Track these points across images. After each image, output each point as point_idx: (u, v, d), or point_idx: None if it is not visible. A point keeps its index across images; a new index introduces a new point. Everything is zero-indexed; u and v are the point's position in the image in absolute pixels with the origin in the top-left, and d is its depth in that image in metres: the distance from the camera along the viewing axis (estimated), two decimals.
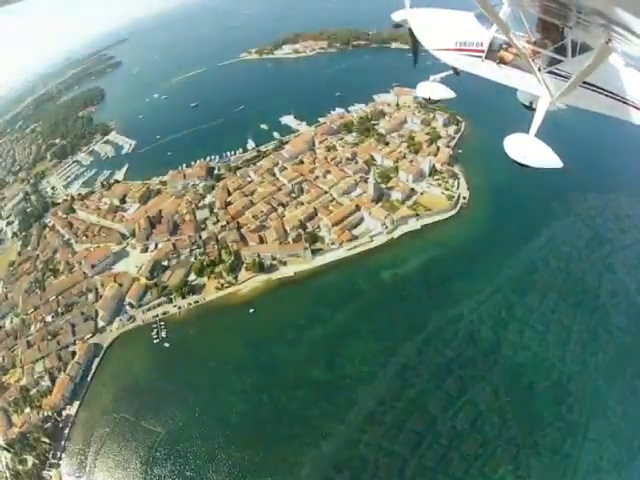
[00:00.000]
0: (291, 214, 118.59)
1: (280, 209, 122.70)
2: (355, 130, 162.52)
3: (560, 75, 13.46)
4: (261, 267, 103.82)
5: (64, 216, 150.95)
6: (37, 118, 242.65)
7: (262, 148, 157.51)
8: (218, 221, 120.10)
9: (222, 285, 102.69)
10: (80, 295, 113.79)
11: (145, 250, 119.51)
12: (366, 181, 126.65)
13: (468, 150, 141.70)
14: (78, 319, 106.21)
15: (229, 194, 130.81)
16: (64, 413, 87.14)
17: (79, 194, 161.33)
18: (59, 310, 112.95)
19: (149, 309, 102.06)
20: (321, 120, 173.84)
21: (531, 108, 16.71)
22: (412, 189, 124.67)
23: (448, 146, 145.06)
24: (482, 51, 14.76)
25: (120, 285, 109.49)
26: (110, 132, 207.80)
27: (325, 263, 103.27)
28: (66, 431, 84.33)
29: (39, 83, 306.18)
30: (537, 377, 76.61)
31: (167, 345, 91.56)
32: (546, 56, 13.52)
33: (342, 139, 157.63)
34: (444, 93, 18.33)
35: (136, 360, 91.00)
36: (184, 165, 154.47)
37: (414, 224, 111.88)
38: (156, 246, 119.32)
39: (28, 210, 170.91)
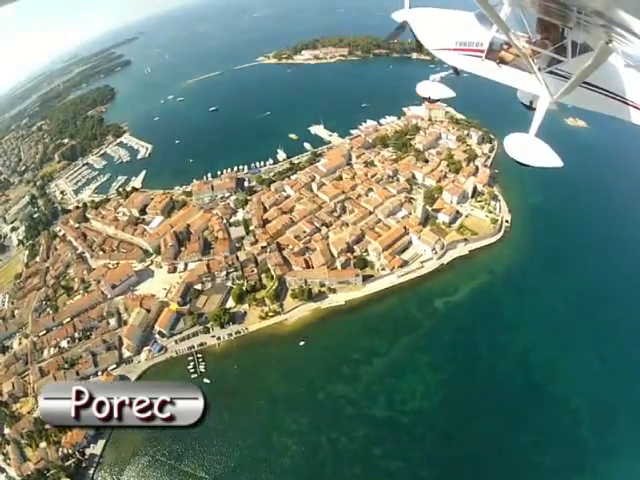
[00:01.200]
0: (337, 236, 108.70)
1: (323, 229, 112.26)
2: (392, 145, 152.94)
3: (560, 75, 13.37)
4: (309, 295, 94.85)
5: (76, 225, 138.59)
6: (43, 115, 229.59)
7: (294, 160, 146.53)
8: (257, 241, 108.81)
9: (266, 314, 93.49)
10: (100, 319, 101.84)
11: (173, 270, 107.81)
12: (411, 201, 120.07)
13: (503, 170, 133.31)
14: (99, 347, 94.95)
15: (265, 210, 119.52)
16: (87, 452, 77.93)
17: (92, 201, 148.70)
18: (76, 335, 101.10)
19: (183, 339, 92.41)
20: (353, 132, 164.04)
21: (531, 108, 16.49)
22: (457, 211, 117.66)
23: (485, 165, 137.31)
24: (482, 51, 14.59)
25: (148, 311, 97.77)
26: (123, 134, 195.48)
27: (377, 290, 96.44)
28: (91, 472, 75.40)
29: (44, 80, 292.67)
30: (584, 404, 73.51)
31: (207, 381, 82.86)
32: (546, 56, 13.42)
33: (379, 154, 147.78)
34: (444, 92, 18.18)
35: None
36: (209, 175, 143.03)
37: (462, 249, 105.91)
38: (186, 266, 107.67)
39: (35, 216, 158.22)
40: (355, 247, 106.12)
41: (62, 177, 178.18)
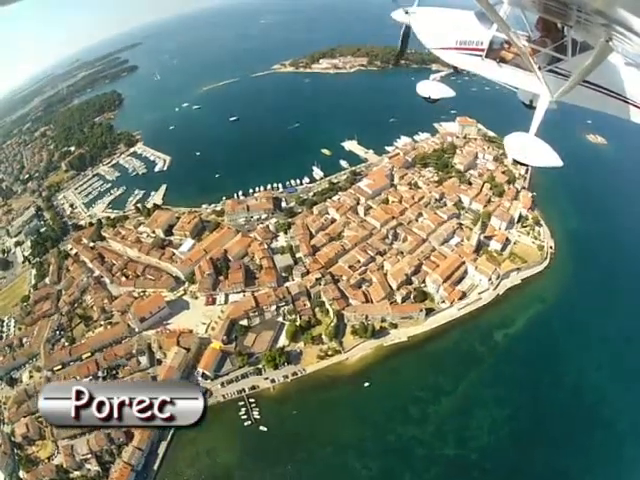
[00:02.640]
0: (396, 267, 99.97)
1: (378, 258, 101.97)
2: (432, 164, 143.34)
3: (560, 74, 13.26)
4: (372, 331, 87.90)
5: (90, 244, 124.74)
6: (47, 121, 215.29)
7: (333, 179, 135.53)
8: (308, 271, 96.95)
9: (326, 353, 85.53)
10: (128, 357, 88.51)
11: (212, 302, 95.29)
12: (461, 226, 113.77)
13: (539, 191, 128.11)
14: None
15: (311, 236, 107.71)
16: None
17: (108, 217, 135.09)
18: (99, 374, 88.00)
19: (230, 382, 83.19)
20: (389, 149, 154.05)
21: (531, 107, 16.32)
22: (507, 238, 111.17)
23: (524, 188, 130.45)
24: (482, 50, 14.37)
25: (187, 349, 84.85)
26: (136, 143, 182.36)
27: (439, 325, 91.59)
28: None
29: (47, 84, 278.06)
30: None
31: (264, 429, 76.05)
32: (546, 55, 13.29)
33: (421, 175, 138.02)
34: (444, 92, 18.00)
35: (222, 447, 75.09)
36: (240, 192, 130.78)
37: (515, 278, 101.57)
38: (227, 298, 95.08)
39: (42, 230, 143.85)
40: (413, 278, 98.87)
41: (70, 188, 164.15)
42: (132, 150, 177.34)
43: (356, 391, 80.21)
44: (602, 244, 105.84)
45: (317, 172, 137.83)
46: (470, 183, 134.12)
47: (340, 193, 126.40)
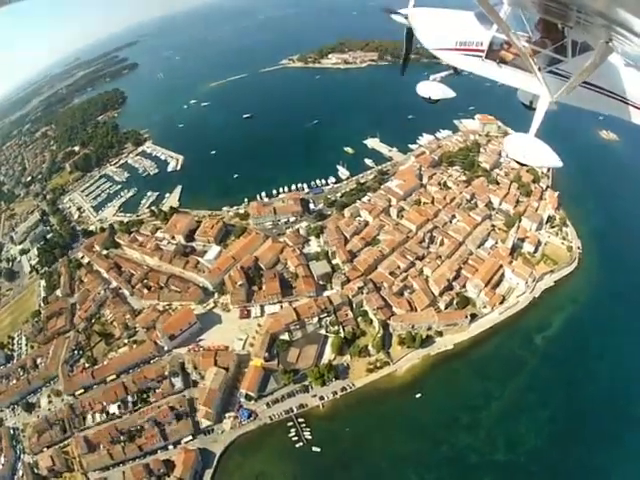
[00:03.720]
0: (437, 272, 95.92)
1: (417, 264, 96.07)
2: (458, 163, 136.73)
3: (560, 75, 13.09)
4: (420, 341, 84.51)
5: (103, 252, 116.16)
6: (48, 121, 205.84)
7: (359, 178, 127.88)
8: (348, 279, 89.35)
9: (375, 366, 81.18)
10: (159, 379, 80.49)
11: (247, 315, 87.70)
12: (494, 228, 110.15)
13: (561, 190, 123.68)
14: (166, 415, 73.83)
15: (346, 240, 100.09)
16: None
17: (120, 222, 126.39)
18: (129, 399, 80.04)
19: (276, 401, 77.32)
20: (412, 147, 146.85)
21: (531, 108, 15.97)
22: (538, 240, 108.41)
23: (549, 187, 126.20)
24: (482, 51, 14.11)
25: (226, 369, 77.11)
26: (144, 142, 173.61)
27: (482, 330, 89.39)
28: None
29: (45, 84, 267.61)
30: None
31: (317, 449, 71.94)
32: (546, 56, 13.07)
33: (449, 174, 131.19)
34: (444, 92, 17.61)
35: (273, 471, 70.29)
36: (262, 194, 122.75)
37: (548, 280, 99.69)
38: (262, 310, 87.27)
39: (49, 236, 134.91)
40: (454, 283, 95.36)
41: (76, 190, 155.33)
42: (141, 149, 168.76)
43: (407, 403, 78.07)
44: (624, 241, 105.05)
45: (342, 171, 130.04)
46: (497, 182, 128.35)
47: (369, 194, 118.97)
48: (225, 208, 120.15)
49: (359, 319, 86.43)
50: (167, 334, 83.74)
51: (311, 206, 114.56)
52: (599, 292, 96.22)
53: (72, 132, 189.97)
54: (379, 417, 75.65)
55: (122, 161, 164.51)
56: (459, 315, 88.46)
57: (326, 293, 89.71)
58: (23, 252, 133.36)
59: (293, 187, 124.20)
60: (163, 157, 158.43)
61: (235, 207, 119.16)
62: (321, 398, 77.41)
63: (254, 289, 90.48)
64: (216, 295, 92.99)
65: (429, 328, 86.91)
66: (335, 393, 77.91)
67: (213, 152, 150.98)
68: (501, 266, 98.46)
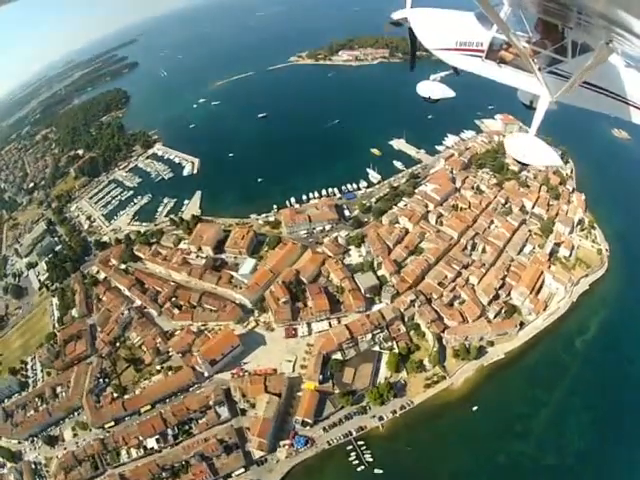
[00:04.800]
0: (484, 281, 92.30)
1: (464, 272, 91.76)
2: (488, 166, 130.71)
3: (560, 75, 12.95)
4: (475, 353, 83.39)
5: (121, 266, 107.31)
6: (48, 123, 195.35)
7: (392, 182, 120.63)
8: (398, 292, 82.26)
9: (432, 381, 79.40)
10: (202, 410, 72.47)
11: (293, 335, 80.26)
12: (531, 233, 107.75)
13: (585, 191, 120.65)
14: (213, 447, 66.30)
15: (389, 250, 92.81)
16: None
17: (137, 232, 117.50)
18: (168, 432, 72.00)
19: (333, 425, 73.11)
20: (438, 148, 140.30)
21: (531, 108, 15.92)
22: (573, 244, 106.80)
23: (574, 189, 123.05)
24: (482, 51, 13.97)
25: (278, 395, 69.51)
26: (154, 144, 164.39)
27: (529, 337, 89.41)
28: None
29: (43, 85, 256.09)
30: None
31: (379, 471, 70.17)
32: (546, 56, 12.92)
33: (481, 177, 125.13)
34: (444, 92, 17.49)
35: None
36: (292, 199, 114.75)
37: (584, 284, 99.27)
38: (309, 329, 79.62)
39: (57, 249, 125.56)
40: (500, 291, 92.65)
41: (84, 197, 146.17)
42: (151, 152, 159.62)
43: (465, 416, 77.16)
44: None
45: (373, 175, 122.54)
46: (527, 186, 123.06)
47: (405, 199, 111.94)
48: (253, 216, 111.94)
49: (411, 333, 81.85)
50: (208, 359, 75.77)
51: (346, 212, 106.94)
52: (628, 294, 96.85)
53: (75, 134, 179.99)
54: (439, 433, 74.74)
55: (132, 165, 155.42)
56: (510, 324, 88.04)
57: (375, 307, 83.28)
58: (30, 266, 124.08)
59: (324, 192, 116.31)
60: (177, 160, 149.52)
61: (264, 214, 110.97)
62: (380, 418, 74.13)
63: (298, 305, 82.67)
64: (256, 313, 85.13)
65: (481, 339, 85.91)
66: (394, 412, 75.04)
67: (231, 154, 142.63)
68: (542, 272, 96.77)
